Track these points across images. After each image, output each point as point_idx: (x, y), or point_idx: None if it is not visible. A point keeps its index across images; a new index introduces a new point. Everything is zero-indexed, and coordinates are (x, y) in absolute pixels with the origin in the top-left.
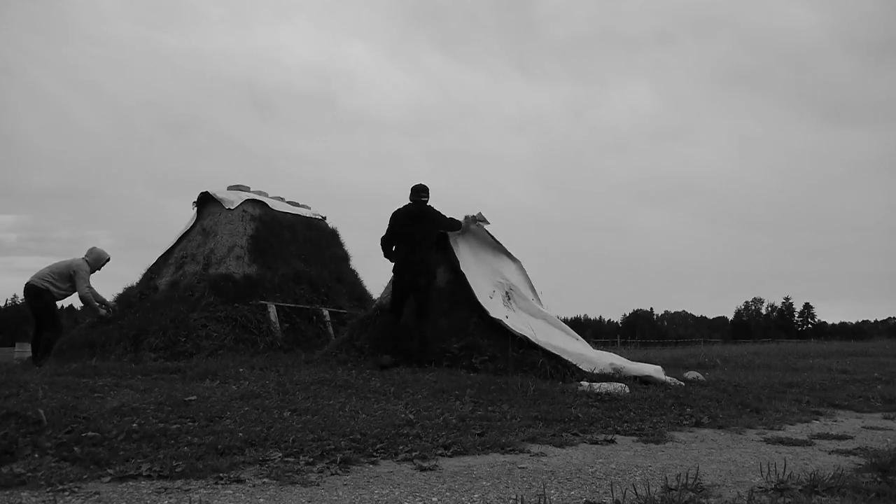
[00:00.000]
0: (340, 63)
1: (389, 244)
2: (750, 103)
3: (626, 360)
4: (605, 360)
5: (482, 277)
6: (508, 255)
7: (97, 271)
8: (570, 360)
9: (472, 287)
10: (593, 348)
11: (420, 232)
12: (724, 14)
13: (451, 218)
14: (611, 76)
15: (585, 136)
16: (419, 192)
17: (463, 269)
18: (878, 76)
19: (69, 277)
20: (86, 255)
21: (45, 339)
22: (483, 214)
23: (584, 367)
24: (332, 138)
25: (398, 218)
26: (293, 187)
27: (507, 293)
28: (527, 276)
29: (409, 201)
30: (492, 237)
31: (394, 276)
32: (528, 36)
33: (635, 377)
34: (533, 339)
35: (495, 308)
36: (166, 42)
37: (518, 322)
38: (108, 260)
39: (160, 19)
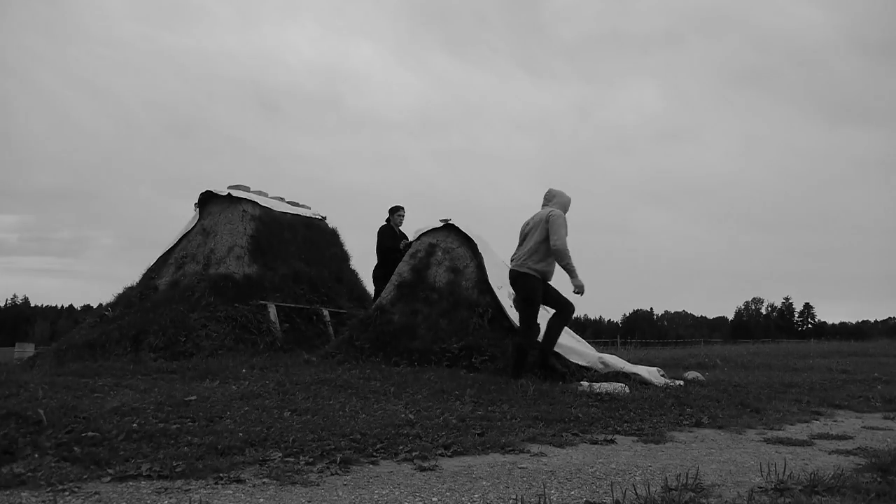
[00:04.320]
0: (347, 63)
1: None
2: (756, 103)
3: (616, 358)
4: (595, 355)
5: (494, 273)
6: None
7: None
8: (559, 351)
9: (487, 271)
10: (594, 350)
11: None
12: (731, 14)
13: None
14: (617, 76)
15: (591, 136)
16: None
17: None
18: (885, 76)
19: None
20: (552, 204)
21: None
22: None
23: (573, 358)
24: (337, 139)
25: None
26: (297, 188)
27: (511, 293)
28: None
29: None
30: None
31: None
32: (535, 36)
33: (633, 378)
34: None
35: (503, 297)
36: (171, 42)
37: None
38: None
39: (165, 19)
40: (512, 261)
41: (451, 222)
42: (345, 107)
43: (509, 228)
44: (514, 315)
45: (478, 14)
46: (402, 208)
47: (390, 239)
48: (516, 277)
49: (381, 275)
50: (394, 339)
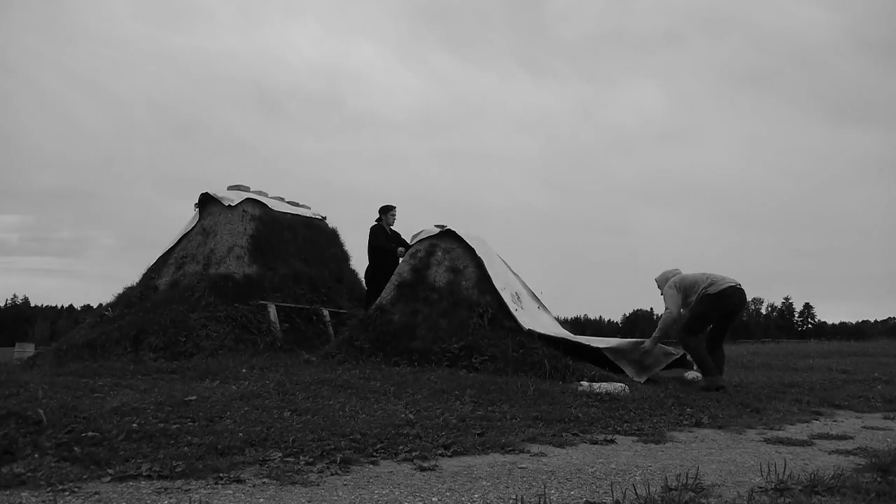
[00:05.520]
0: (348, 63)
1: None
2: (757, 103)
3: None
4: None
5: (496, 274)
6: (512, 271)
7: None
8: (582, 342)
9: (489, 271)
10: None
11: None
12: (733, 14)
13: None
14: (619, 76)
15: (592, 136)
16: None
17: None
18: (886, 76)
19: None
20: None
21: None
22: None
23: (595, 343)
24: (338, 139)
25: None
26: (297, 188)
27: (514, 294)
28: (529, 288)
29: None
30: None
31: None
32: (537, 36)
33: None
34: (535, 330)
35: (506, 298)
36: (172, 42)
37: (524, 317)
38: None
39: (166, 19)
40: (731, 281)
41: (449, 228)
42: (346, 107)
43: (511, 228)
44: (518, 315)
45: (479, 14)
46: (394, 208)
47: (384, 239)
48: (742, 294)
49: (372, 276)
50: (394, 339)
